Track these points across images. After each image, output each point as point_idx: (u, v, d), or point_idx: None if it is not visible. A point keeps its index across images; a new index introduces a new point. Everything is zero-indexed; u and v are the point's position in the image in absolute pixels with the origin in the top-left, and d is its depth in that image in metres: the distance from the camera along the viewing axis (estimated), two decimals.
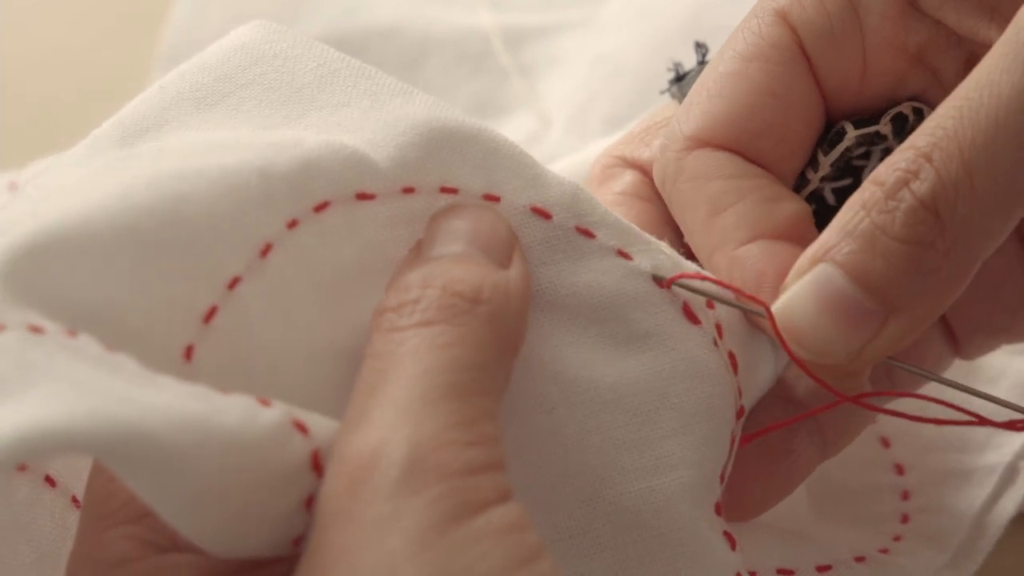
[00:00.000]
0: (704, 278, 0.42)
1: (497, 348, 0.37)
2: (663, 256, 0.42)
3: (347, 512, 0.33)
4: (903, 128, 0.45)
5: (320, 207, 0.39)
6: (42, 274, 0.35)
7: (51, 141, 0.69)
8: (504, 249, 0.40)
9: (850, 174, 0.46)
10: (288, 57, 0.43)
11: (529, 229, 0.41)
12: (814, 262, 0.40)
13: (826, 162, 0.46)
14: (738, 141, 0.44)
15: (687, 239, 0.45)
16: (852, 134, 0.45)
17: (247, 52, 0.43)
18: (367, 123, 0.41)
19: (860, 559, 0.47)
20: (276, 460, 0.34)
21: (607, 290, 0.41)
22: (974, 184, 0.38)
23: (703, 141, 0.44)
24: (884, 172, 0.40)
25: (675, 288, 0.41)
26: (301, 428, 0.35)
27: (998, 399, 0.43)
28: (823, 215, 0.45)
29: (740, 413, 0.42)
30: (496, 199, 0.41)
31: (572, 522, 0.39)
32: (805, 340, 0.40)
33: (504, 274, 0.39)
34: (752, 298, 0.41)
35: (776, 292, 0.41)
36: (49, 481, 0.41)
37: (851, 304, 0.39)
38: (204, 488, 0.33)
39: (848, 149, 0.46)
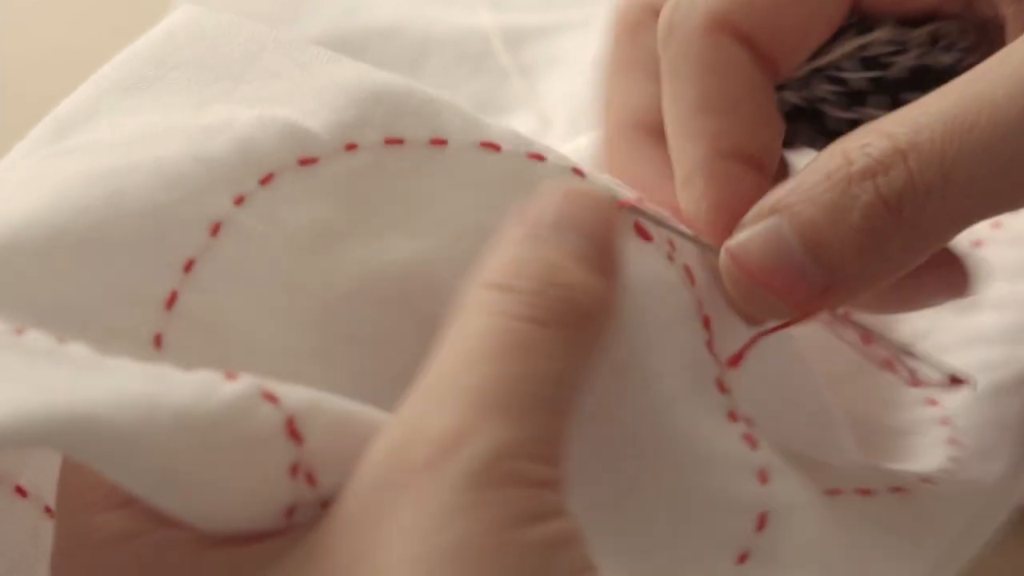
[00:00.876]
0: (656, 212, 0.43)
1: (587, 368, 0.37)
2: (609, 179, 0.43)
3: (420, 490, 0.33)
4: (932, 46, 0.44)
5: (265, 180, 0.39)
6: None
7: None
8: (613, 259, 0.39)
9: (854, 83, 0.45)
10: (215, 36, 0.43)
11: (484, 162, 0.41)
12: (772, 212, 0.41)
13: (836, 52, 0.44)
14: (756, 28, 0.43)
15: (664, 110, 0.45)
16: (879, 34, 0.44)
17: (174, 37, 0.43)
18: (298, 92, 0.41)
19: (927, 480, 0.47)
20: (240, 431, 0.34)
21: None
22: (946, 194, 0.38)
23: (720, 21, 0.43)
24: (855, 147, 0.40)
25: (628, 212, 0.42)
26: (270, 398, 0.34)
27: (930, 360, 0.44)
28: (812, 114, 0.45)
29: (707, 322, 0.42)
30: (443, 142, 0.41)
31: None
32: (748, 291, 0.41)
33: (609, 288, 0.38)
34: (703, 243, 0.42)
35: (729, 225, 0.42)
36: (20, 492, 0.41)
37: (796, 264, 0.40)
38: (165, 464, 0.33)
39: (863, 48, 0.44)
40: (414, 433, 0.34)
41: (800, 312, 0.41)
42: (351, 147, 0.40)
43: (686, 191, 0.44)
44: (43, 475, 0.41)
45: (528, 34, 0.78)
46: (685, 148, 0.44)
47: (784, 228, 0.40)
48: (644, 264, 0.41)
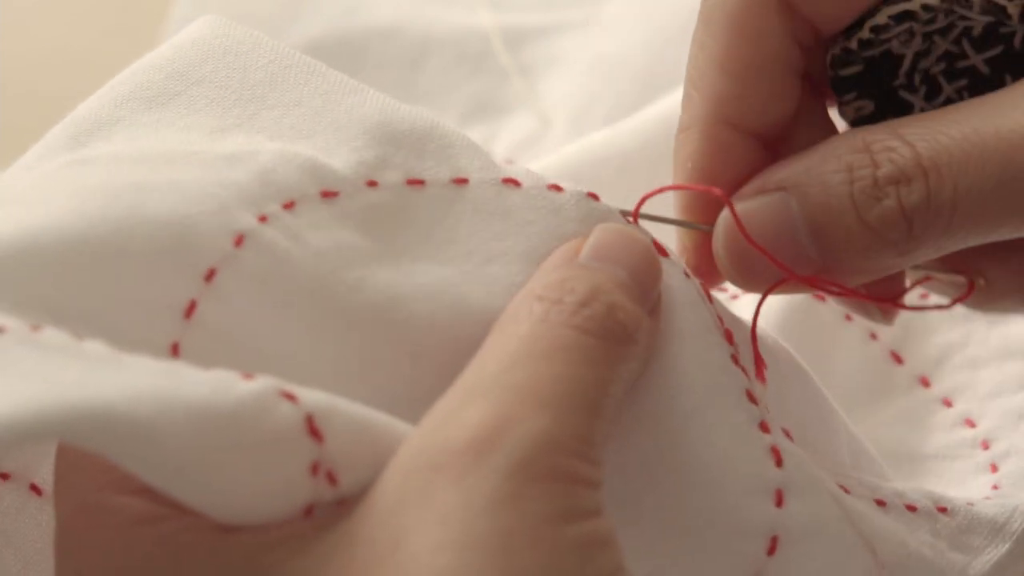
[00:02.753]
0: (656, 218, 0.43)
1: (627, 385, 0.38)
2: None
3: (461, 474, 0.33)
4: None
5: (288, 205, 0.39)
6: (6, 282, 0.35)
7: None
8: (653, 298, 0.40)
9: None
10: (239, 53, 0.42)
11: (507, 196, 0.42)
12: (780, 187, 0.41)
13: (881, 15, 0.43)
14: None
15: (690, 54, 0.45)
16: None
17: (198, 49, 0.43)
18: (320, 126, 0.41)
19: (970, 504, 0.47)
20: (259, 427, 0.34)
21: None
22: (953, 219, 0.39)
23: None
24: (879, 148, 0.40)
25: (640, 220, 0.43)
26: (289, 397, 0.35)
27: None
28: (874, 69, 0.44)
29: (729, 336, 0.42)
30: (464, 181, 0.41)
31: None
32: (744, 257, 0.42)
33: (651, 322, 0.39)
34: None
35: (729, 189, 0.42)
36: (35, 490, 0.41)
37: (795, 242, 0.41)
38: (180, 456, 0.33)
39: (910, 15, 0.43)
40: (453, 420, 0.34)
41: (788, 280, 0.41)
42: (372, 184, 0.40)
43: (680, 141, 0.44)
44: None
45: (528, 34, 0.78)
46: (693, 98, 0.44)
47: (791, 205, 0.41)
48: (665, 279, 0.41)
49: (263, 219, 0.38)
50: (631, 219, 0.42)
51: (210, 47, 0.42)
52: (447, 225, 0.41)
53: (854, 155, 0.40)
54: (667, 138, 0.47)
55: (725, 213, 0.42)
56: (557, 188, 0.42)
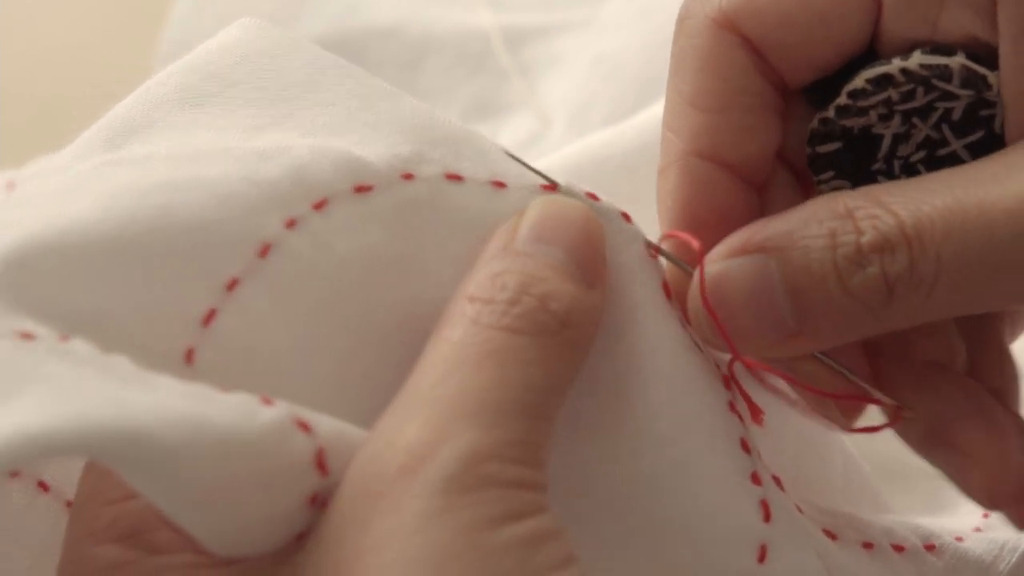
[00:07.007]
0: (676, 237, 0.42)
1: (568, 374, 0.38)
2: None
3: (394, 499, 0.33)
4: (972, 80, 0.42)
5: (319, 204, 0.39)
6: (32, 282, 0.35)
7: (51, 141, 0.69)
8: (596, 269, 0.40)
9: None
10: (275, 55, 0.42)
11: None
12: (760, 249, 0.41)
13: (859, 80, 0.43)
14: (762, 38, 0.43)
15: (666, 96, 0.44)
16: (912, 62, 0.42)
17: (235, 51, 0.42)
18: (355, 124, 0.41)
19: (959, 539, 0.47)
20: (276, 458, 0.34)
21: (625, 258, 0.41)
22: (934, 289, 0.39)
23: (730, 21, 0.43)
24: (862, 216, 0.40)
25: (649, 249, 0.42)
26: (304, 427, 0.35)
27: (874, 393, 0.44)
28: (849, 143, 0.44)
29: (727, 382, 0.42)
30: (503, 185, 0.41)
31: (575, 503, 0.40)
32: (720, 316, 0.41)
33: (591, 298, 0.39)
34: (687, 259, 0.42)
35: (690, 224, 0.42)
36: (42, 486, 0.41)
37: (773, 305, 0.40)
38: (202, 485, 0.33)
39: (882, 82, 0.43)
40: (388, 445, 0.34)
41: (757, 349, 0.41)
42: (408, 176, 0.40)
43: (661, 182, 0.44)
44: (64, 470, 0.41)
45: (528, 34, 0.78)
46: (669, 139, 0.44)
47: (772, 268, 0.40)
48: (661, 326, 0.41)
49: (291, 224, 0.38)
50: (630, 220, 0.42)
51: (246, 49, 0.42)
52: (485, 225, 0.40)
53: (837, 221, 0.40)
54: None
55: (697, 277, 0.41)
56: (594, 197, 0.42)
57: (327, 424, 0.35)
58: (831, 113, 0.43)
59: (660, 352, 0.41)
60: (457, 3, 0.79)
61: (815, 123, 0.44)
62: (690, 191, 0.43)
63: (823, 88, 0.44)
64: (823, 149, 0.45)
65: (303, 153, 0.39)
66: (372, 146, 0.40)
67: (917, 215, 0.39)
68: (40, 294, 0.35)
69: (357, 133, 0.40)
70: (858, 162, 0.45)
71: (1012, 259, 0.38)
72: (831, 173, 0.45)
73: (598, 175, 0.56)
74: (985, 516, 0.49)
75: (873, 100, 0.43)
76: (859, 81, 0.43)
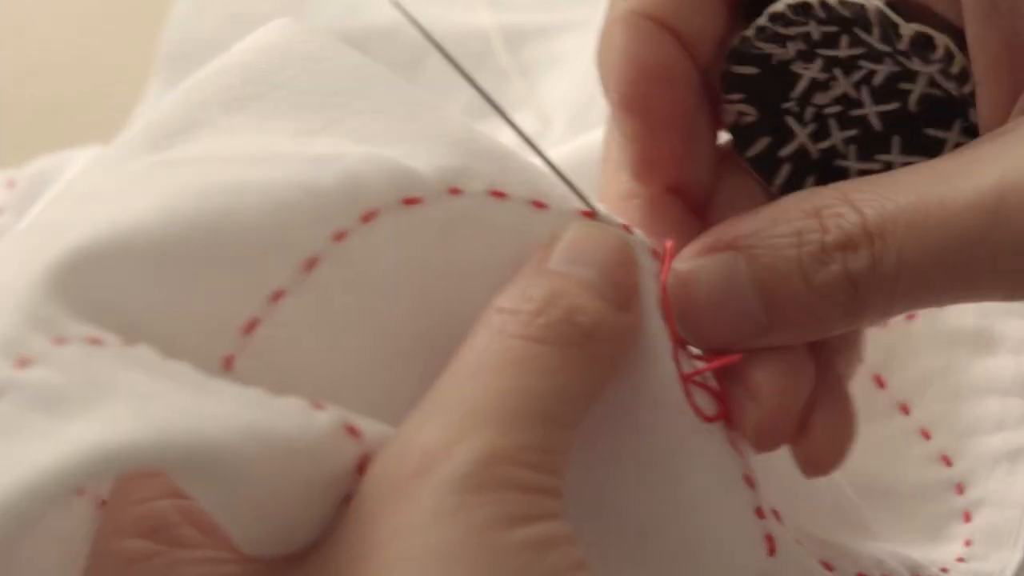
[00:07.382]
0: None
1: (591, 388, 0.38)
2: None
3: (408, 496, 0.34)
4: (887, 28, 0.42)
5: (367, 217, 0.38)
6: (95, 284, 0.35)
7: (51, 141, 0.69)
8: (629, 292, 0.40)
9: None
10: (320, 59, 0.42)
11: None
12: (730, 247, 0.41)
13: (780, 4, 0.42)
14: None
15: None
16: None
17: (276, 53, 0.42)
18: (404, 134, 0.41)
19: (944, 570, 0.47)
20: (326, 463, 0.34)
21: (646, 291, 0.41)
22: (896, 285, 0.40)
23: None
24: (828, 213, 0.40)
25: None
26: (353, 432, 0.35)
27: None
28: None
29: (686, 381, 0.42)
30: (544, 205, 0.41)
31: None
32: (691, 316, 0.41)
33: (622, 318, 0.39)
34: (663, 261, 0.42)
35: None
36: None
37: (743, 303, 0.41)
38: (265, 495, 0.33)
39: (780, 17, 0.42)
40: (406, 445, 0.35)
41: (732, 344, 0.41)
42: (455, 191, 0.40)
43: (604, 38, 0.44)
44: None
45: (528, 34, 0.78)
46: (616, 1, 0.44)
47: (740, 267, 0.41)
48: (665, 367, 0.41)
49: (340, 236, 0.38)
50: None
51: (288, 52, 0.42)
52: (525, 246, 0.40)
53: (804, 220, 0.41)
54: None
55: (671, 278, 0.42)
56: (628, 229, 0.42)
57: (374, 429, 0.36)
58: (751, 32, 0.43)
59: (674, 386, 0.41)
60: (457, 3, 0.79)
61: (735, 40, 0.44)
62: (636, 46, 0.44)
63: (760, 7, 0.43)
64: (739, 70, 0.44)
65: (357, 162, 0.39)
66: (423, 157, 0.40)
67: (881, 212, 0.40)
68: (100, 296, 0.35)
69: (408, 143, 0.40)
70: (771, 94, 0.44)
71: (970, 253, 0.39)
72: (740, 96, 0.45)
73: (597, 175, 0.56)
74: (967, 544, 0.49)
75: (793, 31, 0.43)
76: (780, 4, 0.42)
